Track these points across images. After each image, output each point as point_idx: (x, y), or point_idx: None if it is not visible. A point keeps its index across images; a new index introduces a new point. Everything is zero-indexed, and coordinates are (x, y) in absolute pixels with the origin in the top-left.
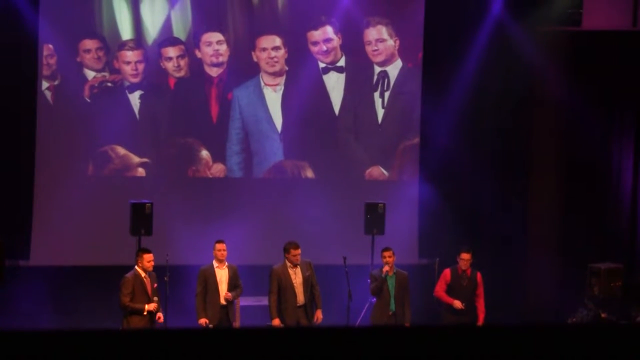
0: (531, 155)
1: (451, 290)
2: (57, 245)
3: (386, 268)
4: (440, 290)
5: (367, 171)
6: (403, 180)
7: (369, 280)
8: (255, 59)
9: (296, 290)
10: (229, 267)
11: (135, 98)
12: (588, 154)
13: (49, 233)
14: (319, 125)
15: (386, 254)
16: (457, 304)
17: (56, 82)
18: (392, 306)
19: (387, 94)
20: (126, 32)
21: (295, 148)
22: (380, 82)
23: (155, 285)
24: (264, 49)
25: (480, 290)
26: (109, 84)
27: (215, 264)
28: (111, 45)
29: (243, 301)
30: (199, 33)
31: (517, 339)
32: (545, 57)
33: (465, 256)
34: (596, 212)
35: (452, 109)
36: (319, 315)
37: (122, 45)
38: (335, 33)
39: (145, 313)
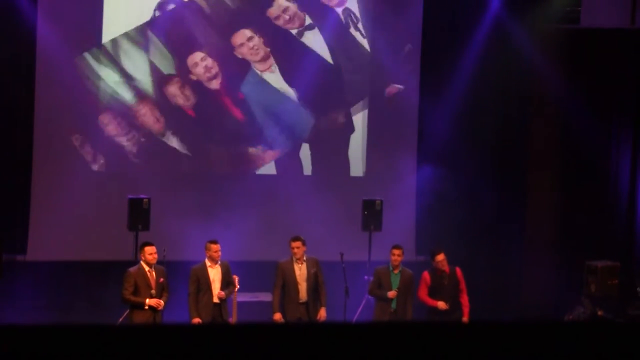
0: (529, 152)
1: (434, 291)
2: (55, 240)
3: (392, 294)
4: (422, 294)
5: (365, 168)
6: (401, 177)
7: (365, 277)
8: (240, 56)
9: (299, 286)
10: (222, 265)
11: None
12: (586, 152)
13: (47, 228)
14: (325, 99)
15: (396, 251)
16: (441, 305)
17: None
18: (394, 304)
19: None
20: (124, 91)
21: (293, 147)
22: (350, 19)
23: (162, 279)
24: (242, 44)
25: (463, 285)
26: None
27: (207, 263)
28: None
29: (240, 297)
30: (182, 60)
31: (513, 336)
32: (543, 55)
33: (440, 257)
34: (593, 209)
35: (451, 106)
36: (322, 313)
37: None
38: (288, 0)
39: (146, 307)
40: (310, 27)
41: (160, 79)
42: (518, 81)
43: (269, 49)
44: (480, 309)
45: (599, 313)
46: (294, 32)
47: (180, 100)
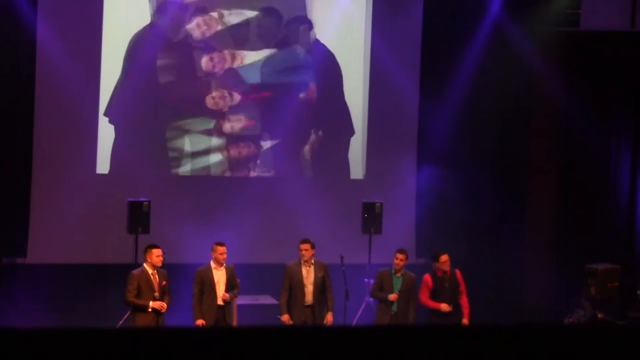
0: (529, 155)
1: (436, 294)
2: (55, 243)
3: (393, 297)
4: (424, 297)
5: (365, 171)
6: (401, 179)
7: (365, 280)
8: (223, 70)
9: (305, 289)
10: (227, 268)
11: None
12: (585, 154)
13: (47, 231)
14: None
15: (399, 256)
16: (444, 307)
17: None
18: (395, 307)
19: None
20: (213, 157)
21: (291, 146)
22: None
23: (164, 283)
24: (213, 65)
25: (462, 287)
26: None
27: (213, 265)
28: None
29: (240, 300)
30: (206, 109)
31: (514, 339)
32: (543, 57)
33: (444, 258)
34: (593, 212)
35: (450, 109)
36: (329, 318)
37: None
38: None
39: (149, 310)
40: (222, 15)
41: (216, 132)
42: (518, 83)
43: (227, 50)
44: (480, 311)
45: (599, 316)
46: (220, 28)
47: (239, 125)
